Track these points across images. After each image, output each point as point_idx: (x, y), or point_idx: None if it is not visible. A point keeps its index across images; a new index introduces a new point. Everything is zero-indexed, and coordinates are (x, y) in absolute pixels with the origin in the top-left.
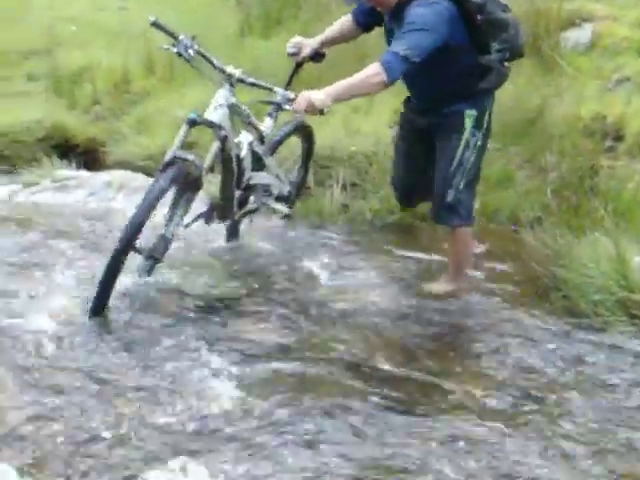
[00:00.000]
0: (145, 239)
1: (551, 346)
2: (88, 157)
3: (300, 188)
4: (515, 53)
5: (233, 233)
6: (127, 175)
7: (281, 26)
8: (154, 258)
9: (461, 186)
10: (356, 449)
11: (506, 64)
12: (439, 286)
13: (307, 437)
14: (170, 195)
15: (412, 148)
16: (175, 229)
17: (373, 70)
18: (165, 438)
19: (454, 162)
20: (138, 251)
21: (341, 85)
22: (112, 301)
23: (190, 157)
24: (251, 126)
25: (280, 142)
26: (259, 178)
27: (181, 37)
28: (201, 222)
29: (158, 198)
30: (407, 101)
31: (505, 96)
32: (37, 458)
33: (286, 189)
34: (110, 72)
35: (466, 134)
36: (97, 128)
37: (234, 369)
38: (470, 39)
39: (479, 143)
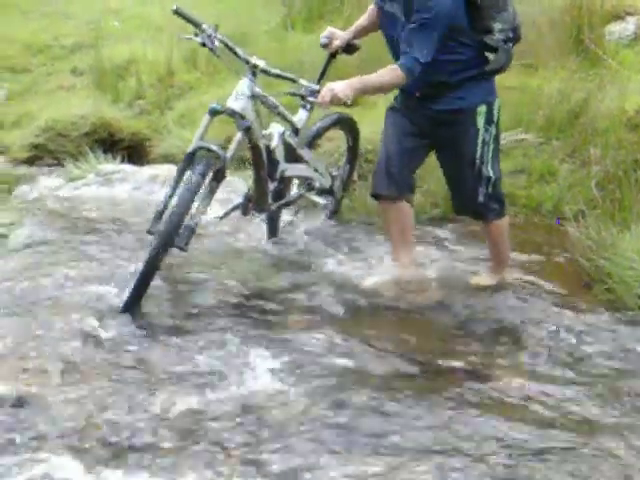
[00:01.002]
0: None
1: (594, 339)
2: (132, 151)
3: (347, 183)
4: (517, 33)
5: (273, 229)
6: (171, 169)
7: (323, 20)
8: (179, 248)
9: (490, 183)
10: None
11: (510, 44)
12: (485, 279)
13: (346, 427)
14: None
15: (407, 130)
16: (199, 219)
17: (394, 71)
18: (205, 426)
19: (476, 164)
20: (176, 247)
21: (364, 79)
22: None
23: (214, 147)
24: (281, 117)
25: (318, 135)
26: (294, 170)
27: (204, 26)
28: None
29: (193, 196)
30: (404, 94)
31: (548, 90)
32: (85, 447)
33: (328, 182)
34: (154, 66)
35: (481, 133)
36: (141, 122)
37: (272, 361)
38: (471, 21)
39: (493, 133)
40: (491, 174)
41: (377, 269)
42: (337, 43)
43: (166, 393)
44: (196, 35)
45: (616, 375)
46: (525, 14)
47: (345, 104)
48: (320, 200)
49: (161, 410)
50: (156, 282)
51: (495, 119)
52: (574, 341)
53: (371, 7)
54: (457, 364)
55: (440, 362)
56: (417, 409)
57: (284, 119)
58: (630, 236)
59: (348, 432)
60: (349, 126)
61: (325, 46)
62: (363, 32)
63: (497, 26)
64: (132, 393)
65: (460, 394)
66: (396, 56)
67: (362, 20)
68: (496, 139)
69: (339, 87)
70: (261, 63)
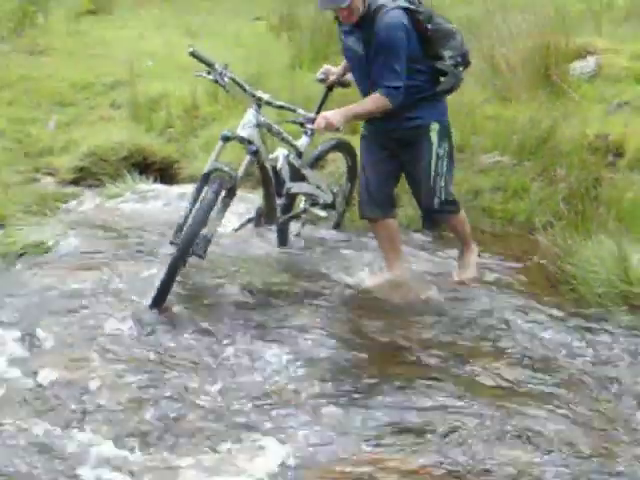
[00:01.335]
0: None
1: (559, 331)
2: (163, 173)
3: (348, 199)
4: (465, 58)
5: (282, 239)
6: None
7: (327, 60)
8: (198, 255)
9: (443, 194)
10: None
11: (460, 69)
12: (466, 274)
13: (350, 407)
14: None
15: (377, 155)
16: (215, 229)
17: (379, 99)
18: (230, 410)
19: (431, 175)
20: (195, 254)
21: (352, 108)
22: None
23: (226, 168)
24: (286, 142)
25: (320, 157)
26: (299, 187)
27: (216, 65)
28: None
29: (208, 211)
30: (368, 122)
31: (521, 118)
32: (120, 425)
33: (329, 198)
34: (181, 100)
35: (434, 148)
36: (171, 148)
37: (286, 352)
38: (422, 49)
39: (447, 150)
40: (445, 183)
41: (374, 274)
42: (332, 78)
43: (194, 379)
44: (209, 73)
45: (575, 358)
46: (500, 54)
47: (337, 130)
48: (322, 214)
49: (190, 394)
50: (184, 285)
51: (448, 136)
52: (540, 331)
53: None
54: (439, 352)
55: (425, 351)
56: (407, 390)
57: (288, 144)
58: (592, 244)
59: (353, 412)
60: (347, 149)
61: (322, 81)
62: (350, 69)
63: (447, 53)
64: (167, 377)
65: (440, 377)
66: (362, 85)
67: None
68: (450, 156)
69: (331, 115)
70: (265, 96)
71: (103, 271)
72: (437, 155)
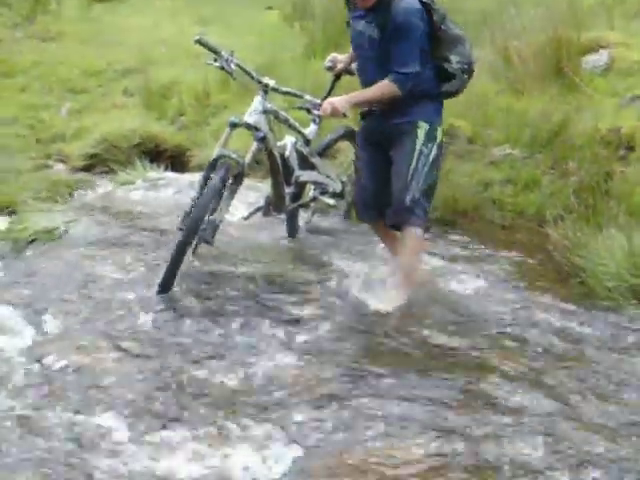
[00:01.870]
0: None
1: (567, 323)
2: (175, 160)
3: None
4: (471, 68)
5: (292, 228)
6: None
7: (340, 49)
8: (206, 241)
9: (417, 192)
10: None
11: (466, 77)
12: (386, 303)
13: (358, 395)
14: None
15: (372, 156)
16: (223, 216)
17: (387, 86)
18: (239, 396)
19: (410, 168)
20: (200, 238)
21: (359, 94)
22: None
23: (233, 155)
24: (293, 129)
25: (329, 146)
26: (307, 176)
27: (222, 53)
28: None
29: (213, 197)
30: (365, 113)
31: (533, 111)
32: (128, 409)
33: (338, 187)
34: (193, 88)
35: (419, 144)
36: (182, 136)
37: (295, 340)
38: (432, 49)
39: (433, 154)
40: (422, 186)
41: (379, 267)
42: (340, 66)
43: (203, 366)
44: (215, 60)
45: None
46: (513, 47)
47: (344, 116)
48: (332, 202)
49: (202, 380)
50: (194, 272)
51: (437, 140)
52: (549, 323)
53: None
54: (449, 344)
55: (435, 343)
56: (415, 382)
57: (296, 131)
58: (602, 237)
59: (361, 404)
60: (355, 138)
61: (330, 69)
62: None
63: (454, 58)
64: (178, 365)
65: (449, 369)
66: (364, 73)
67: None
68: (435, 160)
69: (337, 101)
70: (271, 82)
71: (113, 258)
72: (420, 152)
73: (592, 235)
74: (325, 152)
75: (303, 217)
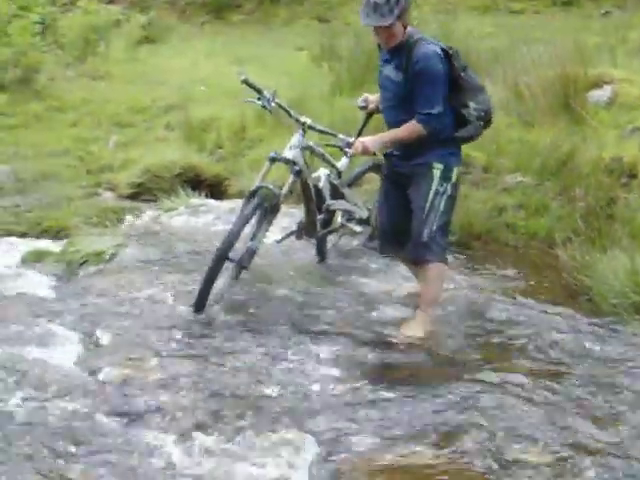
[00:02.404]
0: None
1: (575, 337)
2: (214, 189)
3: None
4: (488, 116)
5: (321, 250)
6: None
7: (364, 88)
8: (242, 266)
9: (434, 227)
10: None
11: (481, 124)
12: (407, 330)
13: (386, 403)
14: (256, 216)
15: (389, 190)
16: (259, 243)
17: (413, 126)
18: (274, 405)
19: (426, 207)
20: (231, 260)
21: (388, 134)
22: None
23: (270, 186)
24: (327, 163)
25: (357, 177)
26: (337, 204)
27: (265, 92)
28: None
29: (244, 223)
30: (387, 154)
31: (542, 142)
32: (174, 419)
33: (365, 214)
34: (230, 123)
35: (435, 184)
36: (220, 166)
37: (326, 353)
38: (452, 95)
39: (448, 193)
40: (438, 223)
41: (403, 286)
42: (372, 106)
43: (245, 377)
44: (258, 99)
45: (590, 362)
46: (523, 83)
47: (374, 154)
48: (358, 229)
49: (241, 391)
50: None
51: (452, 180)
52: (559, 337)
53: None
54: (464, 357)
55: (452, 356)
56: (435, 391)
57: (329, 164)
58: (607, 258)
59: (385, 409)
60: (381, 170)
61: (363, 108)
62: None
63: (472, 105)
64: (215, 376)
65: (463, 380)
66: (389, 114)
67: None
68: (450, 199)
69: (369, 140)
70: (309, 121)
71: (157, 279)
72: (436, 191)
73: (598, 256)
74: (354, 182)
75: (331, 240)
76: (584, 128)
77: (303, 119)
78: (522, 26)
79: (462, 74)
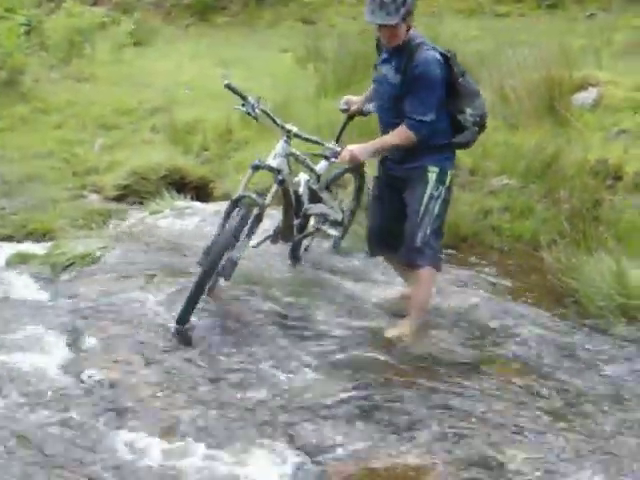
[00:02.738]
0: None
1: (561, 339)
2: (199, 191)
3: (353, 216)
4: (483, 120)
5: (295, 257)
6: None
7: (350, 89)
8: (224, 277)
9: (428, 232)
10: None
11: (477, 129)
12: (396, 330)
13: (371, 407)
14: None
15: (384, 193)
16: (241, 254)
17: (404, 133)
18: (263, 410)
19: (421, 210)
20: (218, 274)
21: (377, 142)
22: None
23: (254, 196)
24: (308, 168)
25: (335, 179)
26: (315, 209)
27: (249, 98)
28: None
29: (233, 236)
30: (382, 158)
31: (527, 145)
32: (159, 420)
33: (340, 217)
34: (216, 125)
35: (430, 187)
36: (206, 169)
37: (309, 356)
38: (449, 101)
39: (442, 197)
40: (432, 227)
41: (386, 288)
42: (354, 108)
43: (229, 380)
44: (242, 105)
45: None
46: (508, 86)
47: (362, 163)
48: (332, 231)
49: (226, 394)
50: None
51: (446, 184)
52: (545, 340)
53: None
54: (452, 359)
55: (439, 358)
56: (421, 393)
57: (310, 169)
58: (593, 261)
59: (369, 411)
60: (357, 171)
61: (344, 111)
62: (374, 98)
63: (469, 110)
64: (198, 380)
65: (452, 382)
66: (384, 115)
67: (370, 93)
68: (444, 202)
69: (357, 149)
70: (294, 129)
71: (143, 281)
72: (431, 195)
73: (584, 258)
74: (331, 185)
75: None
76: (569, 130)
77: (289, 127)
78: (507, 29)
79: (460, 79)
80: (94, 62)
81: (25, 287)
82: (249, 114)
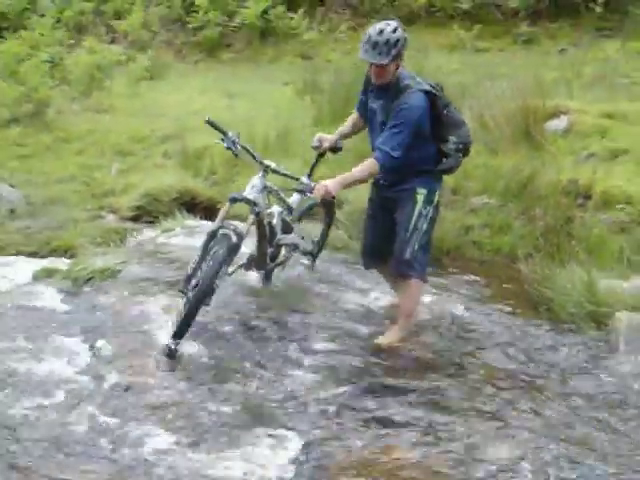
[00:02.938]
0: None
1: (537, 343)
2: (208, 211)
3: (323, 243)
4: (467, 148)
5: (267, 279)
6: (238, 224)
7: (344, 119)
8: (205, 304)
9: (416, 247)
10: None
11: (460, 155)
12: (386, 338)
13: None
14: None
15: (377, 213)
16: (220, 282)
17: (370, 165)
18: (259, 408)
19: (410, 228)
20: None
21: (347, 176)
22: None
23: (231, 227)
24: (281, 201)
25: (307, 210)
26: (287, 239)
27: (230, 134)
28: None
29: (219, 267)
30: (375, 179)
31: (505, 167)
32: (172, 422)
33: (309, 247)
34: (223, 151)
35: (418, 207)
36: (214, 190)
37: (307, 358)
38: (432, 130)
39: (430, 215)
40: (419, 243)
41: (377, 299)
42: (326, 145)
43: (236, 382)
44: (222, 140)
45: (550, 364)
46: (488, 114)
47: (333, 197)
48: (305, 261)
49: (231, 395)
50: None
51: (433, 204)
52: (521, 344)
53: (354, 114)
54: (435, 361)
55: (426, 362)
56: (411, 393)
57: (283, 202)
58: (565, 272)
59: (364, 411)
60: (328, 204)
61: (316, 148)
62: (346, 136)
63: (452, 139)
64: (207, 383)
65: (441, 382)
66: (371, 138)
67: (344, 127)
68: (432, 220)
69: (330, 184)
70: (272, 164)
71: (156, 293)
72: (419, 213)
73: (557, 270)
74: (303, 217)
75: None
76: (543, 154)
77: (267, 162)
78: (487, 63)
79: (445, 111)
80: (112, 95)
81: (49, 299)
82: (229, 149)
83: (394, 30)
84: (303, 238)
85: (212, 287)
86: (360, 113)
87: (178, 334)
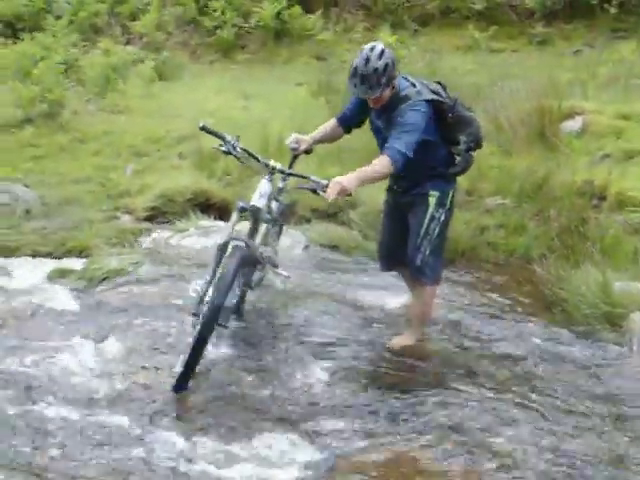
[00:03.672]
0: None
1: (551, 344)
2: (222, 212)
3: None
4: (478, 143)
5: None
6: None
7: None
8: (222, 326)
9: (427, 252)
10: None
11: (472, 153)
12: (399, 340)
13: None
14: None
15: (393, 213)
16: (235, 299)
17: (384, 163)
18: (270, 408)
19: (421, 232)
20: (221, 325)
21: (362, 173)
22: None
23: (243, 238)
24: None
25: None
26: (266, 252)
27: (228, 138)
28: None
29: (231, 285)
30: (390, 185)
31: (520, 168)
32: (183, 420)
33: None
34: None
35: (431, 210)
36: (228, 191)
37: (319, 363)
38: (441, 134)
39: (442, 218)
40: (431, 247)
41: (393, 297)
42: (303, 147)
43: (247, 383)
44: (220, 146)
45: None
46: (502, 115)
47: (349, 195)
48: (283, 273)
49: (242, 397)
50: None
51: (446, 206)
52: (536, 345)
53: (332, 121)
54: (448, 363)
55: (439, 365)
56: (420, 395)
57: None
58: (580, 273)
59: (375, 412)
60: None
61: (294, 149)
62: (320, 142)
63: (463, 138)
64: (221, 383)
65: (449, 384)
66: (379, 148)
67: (320, 132)
68: (444, 223)
69: (346, 180)
70: (277, 165)
71: (171, 293)
72: (432, 216)
73: (572, 271)
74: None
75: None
76: (558, 155)
77: (272, 164)
78: (501, 64)
79: (450, 115)
80: (127, 96)
81: (64, 299)
82: (229, 153)
83: (380, 55)
84: (274, 251)
85: (220, 309)
86: (341, 124)
87: (178, 383)
